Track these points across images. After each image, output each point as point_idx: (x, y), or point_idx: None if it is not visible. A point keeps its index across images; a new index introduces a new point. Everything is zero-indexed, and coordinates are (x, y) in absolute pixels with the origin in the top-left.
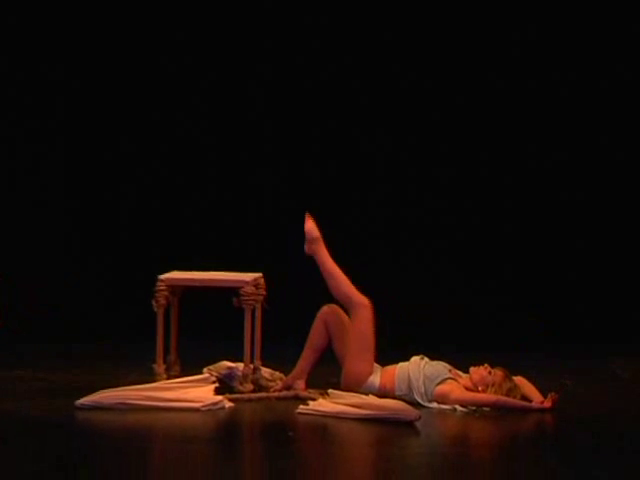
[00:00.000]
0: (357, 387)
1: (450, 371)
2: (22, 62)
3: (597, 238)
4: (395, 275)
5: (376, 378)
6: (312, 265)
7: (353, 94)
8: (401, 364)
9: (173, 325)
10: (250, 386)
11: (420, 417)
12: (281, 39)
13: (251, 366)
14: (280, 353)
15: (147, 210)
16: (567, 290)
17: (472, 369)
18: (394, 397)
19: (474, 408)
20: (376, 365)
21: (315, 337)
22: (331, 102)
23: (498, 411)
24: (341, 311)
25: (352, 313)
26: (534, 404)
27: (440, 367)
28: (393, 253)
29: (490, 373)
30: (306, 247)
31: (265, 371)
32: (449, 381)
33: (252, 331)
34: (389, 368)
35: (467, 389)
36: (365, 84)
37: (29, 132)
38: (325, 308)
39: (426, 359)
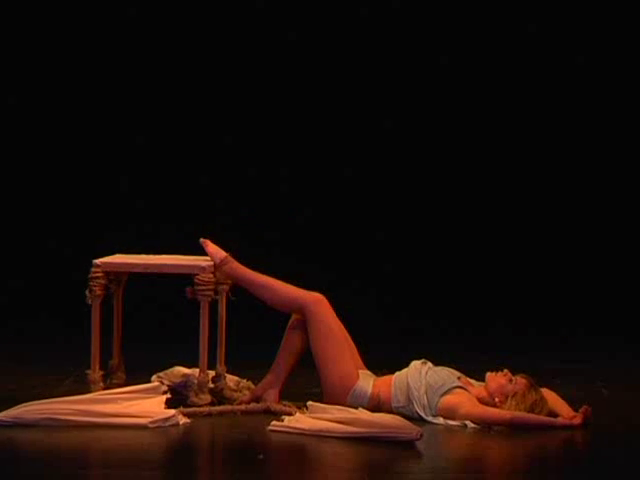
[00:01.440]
0: (343, 396)
1: (459, 379)
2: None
3: (600, 238)
4: (396, 276)
5: (367, 385)
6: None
7: (353, 93)
8: (398, 372)
9: (116, 321)
10: (207, 398)
11: (422, 435)
12: (281, 39)
13: (210, 373)
14: (249, 356)
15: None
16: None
17: (489, 375)
18: (390, 410)
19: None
20: (367, 372)
21: (292, 336)
22: (331, 101)
23: (517, 429)
24: (327, 302)
25: (305, 315)
26: (560, 420)
27: (446, 374)
28: (394, 253)
29: (511, 381)
30: (217, 275)
31: (230, 379)
32: (457, 390)
33: (210, 328)
34: (385, 377)
35: (481, 400)
36: (365, 83)
37: None
38: (307, 297)
39: (429, 364)
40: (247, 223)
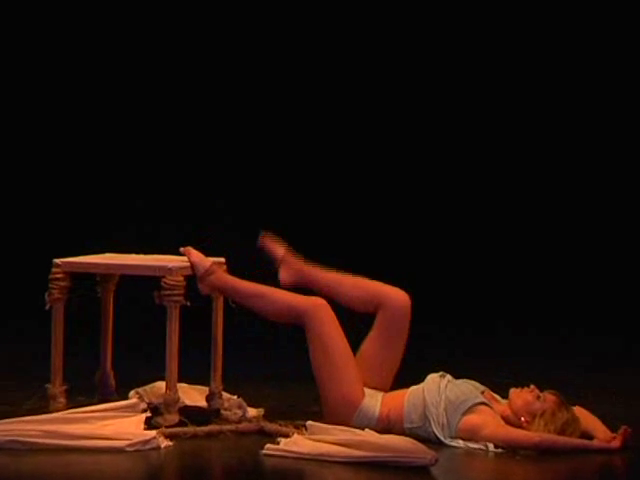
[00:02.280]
0: (347, 417)
1: (483, 393)
2: None
3: (601, 239)
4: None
5: (375, 404)
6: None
7: (354, 93)
8: (413, 387)
9: (104, 328)
10: (174, 418)
11: (437, 460)
12: (276, 39)
13: (202, 389)
14: (241, 370)
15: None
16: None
17: (513, 391)
18: (402, 431)
19: None
20: (374, 391)
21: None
22: (330, 101)
23: (546, 453)
24: (328, 307)
25: (304, 325)
26: (596, 443)
27: (469, 388)
28: (396, 256)
29: (539, 398)
30: (201, 286)
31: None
32: (481, 408)
33: (180, 339)
34: (396, 393)
35: (504, 420)
36: (365, 81)
37: None
38: (304, 304)
39: (449, 377)
40: (247, 223)
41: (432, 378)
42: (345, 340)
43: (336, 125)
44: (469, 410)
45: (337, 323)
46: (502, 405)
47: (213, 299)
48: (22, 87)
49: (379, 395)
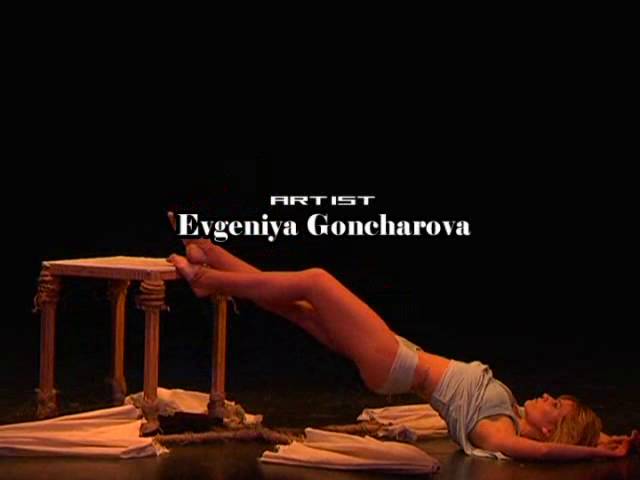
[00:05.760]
0: (386, 369)
1: (512, 405)
2: None
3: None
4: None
5: (413, 355)
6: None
7: (356, 93)
8: (456, 363)
9: (114, 334)
10: (152, 426)
11: (439, 468)
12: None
13: (203, 397)
14: (242, 377)
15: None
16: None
17: (528, 404)
18: (429, 397)
19: None
20: (407, 340)
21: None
22: (331, 102)
23: (554, 463)
24: (327, 274)
25: (311, 298)
26: (601, 450)
27: (505, 395)
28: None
29: (556, 406)
30: (195, 290)
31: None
32: (503, 419)
33: (157, 342)
34: (434, 356)
35: (526, 436)
36: (365, 79)
37: None
38: (305, 278)
39: (490, 374)
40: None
41: (477, 368)
42: (355, 296)
43: (333, 124)
44: (493, 416)
45: (341, 285)
46: (522, 420)
47: (214, 305)
48: (11, 86)
49: (413, 347)
